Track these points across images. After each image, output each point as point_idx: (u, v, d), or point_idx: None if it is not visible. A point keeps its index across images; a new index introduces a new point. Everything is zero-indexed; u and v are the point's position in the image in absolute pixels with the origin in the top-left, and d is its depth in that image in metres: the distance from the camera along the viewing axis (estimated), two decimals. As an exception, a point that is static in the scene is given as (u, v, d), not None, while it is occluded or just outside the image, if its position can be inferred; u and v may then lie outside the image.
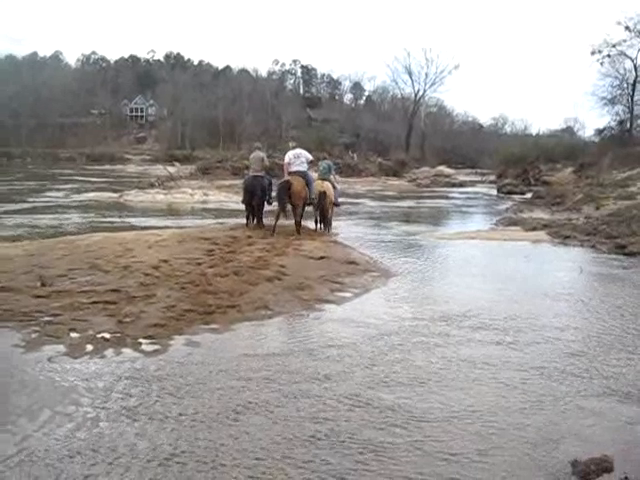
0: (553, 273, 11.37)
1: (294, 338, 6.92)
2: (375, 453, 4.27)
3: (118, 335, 6.55)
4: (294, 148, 13.93)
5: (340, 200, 15.62)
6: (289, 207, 13.05)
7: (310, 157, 13.84)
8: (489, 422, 4.78)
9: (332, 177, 14.86)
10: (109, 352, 6.09)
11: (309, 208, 14.04)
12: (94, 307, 7.35)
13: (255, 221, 13.39)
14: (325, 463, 4.11)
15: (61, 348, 6.12)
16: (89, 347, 6.18)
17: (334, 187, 14.57)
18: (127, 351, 6.15)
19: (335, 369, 5.81)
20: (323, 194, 13.64)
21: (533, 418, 4.89)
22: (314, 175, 14.46)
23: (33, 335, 6.44)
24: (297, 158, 13.48)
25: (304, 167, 13.44)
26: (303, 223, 13.46)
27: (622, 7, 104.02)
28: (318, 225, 14.30)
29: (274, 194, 13.28)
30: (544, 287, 9.91)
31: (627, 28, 43.97)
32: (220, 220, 17.50)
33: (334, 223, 15.12)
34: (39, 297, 7.59)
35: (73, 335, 6.50)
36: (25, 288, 7.86)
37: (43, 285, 8.03)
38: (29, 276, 8.34)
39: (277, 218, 12.90)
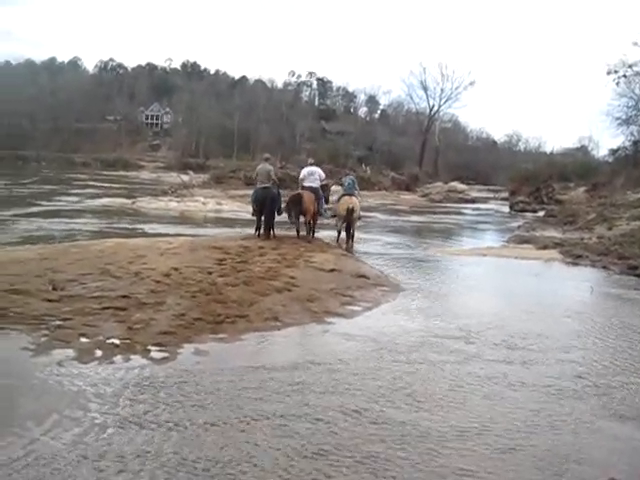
0: (564, 292, 11.31)
1: (302, 350, 6.93)
2: (381, 468, 4.25)
3: (127, 341, 6.55)
4: (311, 165, 14.83)
5: (361, 214, 16.39)
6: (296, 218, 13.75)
7: (323, 175, 14.77)
8: (498, 441, 4.75)
9: (356, 192, 15.55)
10: (118, 358, 6.10)
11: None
12: (104, 313, 7.35)
13: (264, 231, 13.42)
14: (330, 477, 4.11)
15: (70, 353, 6.12)
16: (98, 352, 6.20)
17: (359, 202, 15.44)
18: (136, 358, 6.16)
19: (343, 383, 5.80)
20: (352, 210, 14.52)
21: (543, 438, 4.86)
22: (338, 189, 15.53)
23: (43, 339, 6.45)
24: (311, 175, 14.33)
25: (316, 184, 14.23)
26: (316, 235, 14.25)
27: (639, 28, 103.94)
28: (341, 235, 15.04)
29: (283, 205, 13.70)
30: (554, 306, 9.87)
31: (643, 49, 43.96)
32: (232, 230, 17.55)
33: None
34: (50, 301, 7.60)
35: (83, 340, 6.51)
36: (36, 291, 7.86)
37: (54, 289, 8.04)
38: (41, 280, 8.34)
39: (297, 227, 13.77)
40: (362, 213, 16.29)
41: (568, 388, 6.03)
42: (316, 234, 14.34)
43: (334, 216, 15.23)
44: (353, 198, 15.08)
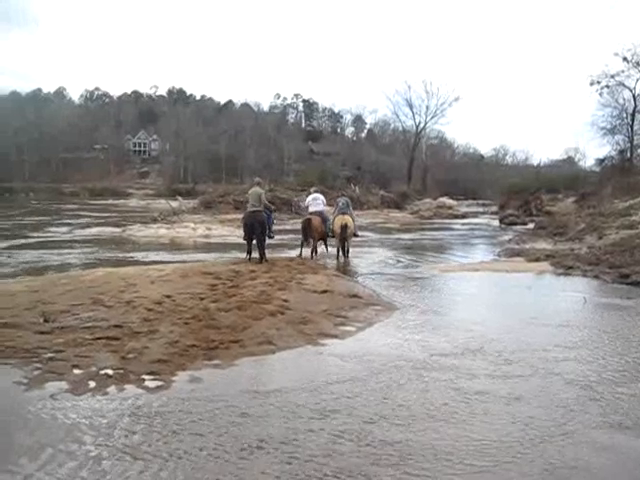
0: (557, 304, 11.31)
1: (298, 373, 6.87)
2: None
3: (121, 371, 6.50)
4: (315, 192, 17.65)
5: (359, 233, 18.45)
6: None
7: (325, 200, 17.11)
8: (495, 456, 4.72)
9: (350, 211, 17.22)
10: (112, 389, 6.04)
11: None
12: (97, 343, 7.30)
13: (251, 255, 13.52)
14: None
15: (64, 385, 6.07)
16: (92, 384, 6.14)
17: (353, 220, 16.93)
18: (130, 387, 6.10)
19: (340, 405, 5.76)
20: (345, 226, 16.04)
21: (540, 452, 4.83)
22: (330, 209, 17.32)
23: (35, 372, 6.39)
24: (315, 200, 16.72)
25: (321, 208, 16.54)
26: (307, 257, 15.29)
27: (620, 38, 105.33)
28: (340, 253, 16.47)
29: (275, 227, 14.83)
30: (548, 318, 9.85)
31: (625, 59, 44.67)
32: (223, 254, 17.50)
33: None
34: (42, 333, 7.55)
35: (76, 372, 6.45)
36: (28, 324, 7.81)
37: (46, 321, 7.99)
38: (32, 312, 8.30)
39: (302, 247, 15.74)
40: (360, 233, 18.30)
41: (565, 399, 6.01)
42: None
43: (332, 236, 16.65)
44: (346, 216, 16.41)
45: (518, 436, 5.12)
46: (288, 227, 23.58)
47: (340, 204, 17.06)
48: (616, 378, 6.77)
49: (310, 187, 19.67)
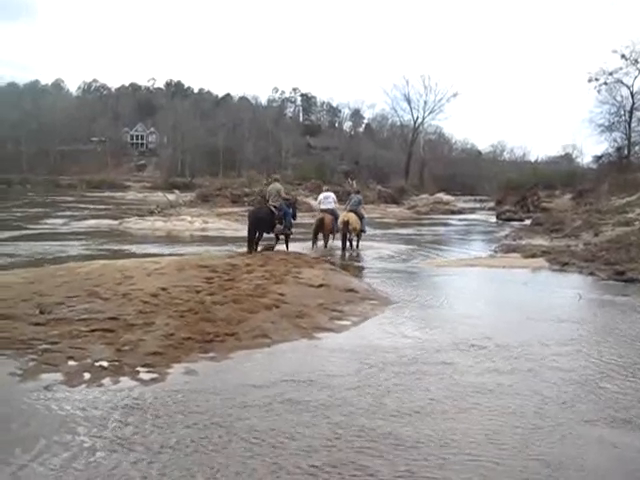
0: (552, 300, 11.32)
1: (293, 367, 6.86)
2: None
3: (116, 363, 6.50)
4: (326, 191, 18.92)
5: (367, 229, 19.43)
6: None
7: (335, 199, 18.43)
8: (487, 451, 4.73)
9: (362, 209, 18.73)
10: (107, 381, 6.04)
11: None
12: (92, 335, 7.29)
13: (248, 249, 13.63)
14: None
15: (58, 376, 6.07)
16: (87, 375, 6.14)
17: (362, 217, 18.17)
18: (125, 380, 6.10)
19: (334, 398, 5.77)
20: (347, 222, 17.19)
21: (533, 447, 4.84)
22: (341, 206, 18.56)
23: (30, 363, 6.38)
24: (326, 199, 18.15)
25: (332, 205, 17.93)
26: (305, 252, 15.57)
27: (619, 36, 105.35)
28: (345, 247, 17.44)
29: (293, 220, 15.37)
30: (543, 314, 9.86)
31: (623, 56, 44.74)
32: (219, 248, 17.50)
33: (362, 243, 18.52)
34: (37, 325, 7.52)
35: (71, 363, 6.45)
36: (23, 316, 7.79)
37: (41, 313, 7.97)
38: (28, 304, 8.27)
39: (314, 241, 17.23)
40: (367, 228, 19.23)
41: (557, 396, 6.02)
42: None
43: (338, 231, 17.73)
44: (350, 213, 17.62)
45: (509, 431, 5.13)
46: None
47: (352, 201, 18.40)
48: (611, 373, 6.79)
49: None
